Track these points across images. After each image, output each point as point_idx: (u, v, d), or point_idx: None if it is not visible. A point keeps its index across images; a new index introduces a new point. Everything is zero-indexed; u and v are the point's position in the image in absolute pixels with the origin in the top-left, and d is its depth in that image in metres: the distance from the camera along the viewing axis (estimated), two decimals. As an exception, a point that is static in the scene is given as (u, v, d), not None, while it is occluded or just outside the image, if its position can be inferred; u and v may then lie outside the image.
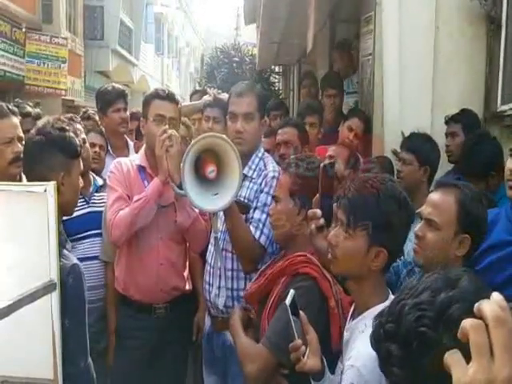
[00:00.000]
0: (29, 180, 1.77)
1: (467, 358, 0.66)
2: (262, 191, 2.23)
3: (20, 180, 2.14)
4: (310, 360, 1.39)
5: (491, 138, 2.67)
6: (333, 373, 1.48)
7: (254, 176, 2.28)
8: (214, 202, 2.04)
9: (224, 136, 2.04)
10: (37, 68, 11.16)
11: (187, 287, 2.57)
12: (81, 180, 1.83)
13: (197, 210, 2.33)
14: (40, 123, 1.86)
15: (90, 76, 14.48)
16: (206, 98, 3.46)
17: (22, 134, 2.22)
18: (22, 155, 1.93)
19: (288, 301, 1.42)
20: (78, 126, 2.62)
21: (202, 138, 1.99)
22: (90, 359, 1.68)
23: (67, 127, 1.79)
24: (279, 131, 3.19)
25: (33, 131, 1.80)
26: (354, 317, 1.44)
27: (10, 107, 2.27)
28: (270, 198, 2.12)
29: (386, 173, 1.99)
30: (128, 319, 2.51)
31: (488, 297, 0.68)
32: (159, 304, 2.47)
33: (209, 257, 2.37)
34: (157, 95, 2.44)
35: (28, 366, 1.51)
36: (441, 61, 3.13)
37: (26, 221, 1.49)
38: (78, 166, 1.80)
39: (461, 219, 1.60)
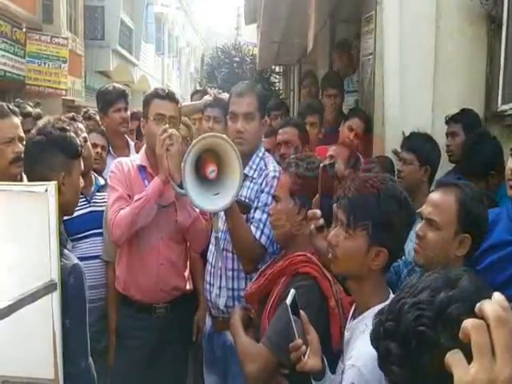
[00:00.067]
0: (29, 180, 1.78)
1: (467, 358, 0.66)
2: (262, 191, 2.23)
3: (21, 180, 2.14)
4: (311, 360, 1.39)
5: (491, 137, 2.67)
6: (333, 372, 1.48)
7: (255, 176, 2.28)
8: (215, 201, 2.04)
9: (224, 136, 2.04)
10: (37, 68, 11.17)
11: (188, 287, 2.57)
12: (81, 180, 1.83)
13: (197, 210, 2.33)
14: (41, 123, 1.86)
15: (90, 76, 14.49)
16: (207, 97, 3.46)
17: (22, 134, 2.22)
18: (22, 155, 1.93)
19: (289, 300, 1.42)
20: (80, 126, 2.63)
21: (202, 138, 1.99)
22: (90, 359, 1.69)
23: (68, 127, 1.79)
24: (280, 131, 3.19)
25: (33, 131, 1.80)
26: (354, 316, 1.44)
27: (11, 107, 2.27)
28: (270, 198, 2.12)
29: (386, 172, 1.99)
30: (128, 319, 2.51)
31: (488, 297, 0.68)
32: (159, 304, 2.47)
33: (210, 257, 2.37)
34: (157, 95, 2.44)
35: (29, 366, 1.51)
36: (441, 60, 3.13)
37: (27, 221, 1.49)
38: (79, 166, 1.80)
39: (461, 219, 1.60)
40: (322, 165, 1.74)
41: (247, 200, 2.24)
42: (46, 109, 4.21)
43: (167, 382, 2.52)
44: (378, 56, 3.30)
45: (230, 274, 2.25)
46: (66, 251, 1.65)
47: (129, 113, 3.55)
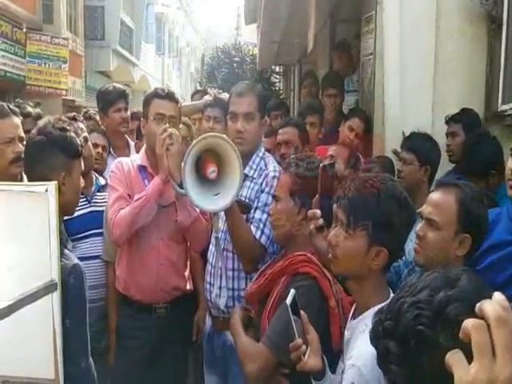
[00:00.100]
0: (30, 180, 1.78)
1: (467, 358, 0.66)
2: (262, 191, 2.23)
3: (21, 180, 2.14)
4: (311, 359, 1.39)
5: (491, 137, 2.67)
6: (333, 372, 1.48)
7: (255, 176, 2.28)
8: (215, 202, 2.04)
9: (224, 136, 2.04)
10: (38, 68, 11.17)
11: (188, 287, 2.57)
12: (82, 180, 1.83)
13: (197, 210, 2.33)
14: (41, 123, 1.86)
15: (90, 76, 14.49)
16: (207, 97, 3.46)
17: (22, 134, 2.22)
18: (22, 155, 1.93)
19: (289, 300, 1.42)
20: (81, 125, 2.63)
21: (202, 139, 1.99)
22: (90, 359, 1.69)
23: (68, 127, 1.79)
24: (280, 131, 3.19)
25: (34, 131, 1.80)
26: (354, 316, 1.44)
27: (11, 107, 2.27)
28: (270, 198, 2.12)
29: (386, 173, 1.99)
30: (129, 319, 2.51)
31: (488, 296, 0.68)
32: (160, 304, 2.47)
33: (210, 257, 2.37)
34: (156, 94, 2.45)
35: (29, 366, 1.51)
36: (441, 60, 3.13)
37: (27, 221, 1.49)
38: (79, 166, 1.80)
39: (461, 219, 1.60)
40: (321, 165, 1.74)
41: (247, 200, 2.24)
42: (46, 109, 4.21)
43: (167, 382, 2.52)
44: (378, 56, 3.30)
45: (230, 273, 2.25)
46: (66, 251, 1.65)
47: (129, 113, 3.55)
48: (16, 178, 2.16)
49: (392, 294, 1.39)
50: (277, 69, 12.11)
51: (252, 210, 2.21)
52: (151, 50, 21.77)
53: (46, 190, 1.45)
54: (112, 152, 3.32)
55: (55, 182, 1.47)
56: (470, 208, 1.60)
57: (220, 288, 2.25)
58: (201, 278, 2.57)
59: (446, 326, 0.80)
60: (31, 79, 11.07)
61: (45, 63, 11.23)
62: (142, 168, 2.47)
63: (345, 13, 5.24)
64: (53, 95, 11.32)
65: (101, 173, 2.96)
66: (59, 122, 1.79)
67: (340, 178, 1.95)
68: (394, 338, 0.86)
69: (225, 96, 3.16)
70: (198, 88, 8.98)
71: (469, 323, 0.64)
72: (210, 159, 2.03)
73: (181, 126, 2.63)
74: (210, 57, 15.78)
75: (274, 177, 2.22)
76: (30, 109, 3.16)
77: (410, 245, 1.72)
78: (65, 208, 1.65)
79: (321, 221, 1.67)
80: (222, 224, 2.23)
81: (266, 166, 2.31)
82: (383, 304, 1.25)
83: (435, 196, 1.68)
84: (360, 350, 1.28)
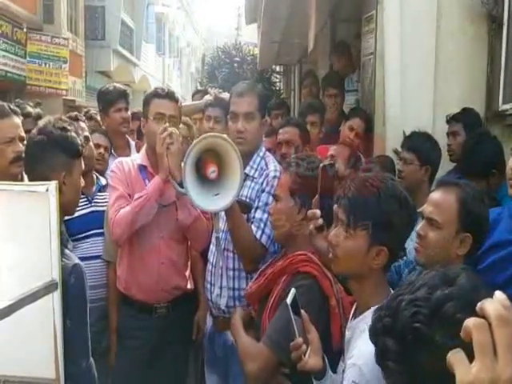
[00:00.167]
0: (30, 180, 1.78)
1: (466, 357, 0.66)
2: (263, 191, 2.23)
3: (21, 180, 2.14)
4: (312, 359, 1.39)
5: (491, 137, 2.67)
6: (334, 372, 1.48)
7: (256, 175, 2.28)
8: (216, 202, 2.04)
9: (225, 136, 2.04)
10: (38, 68, 11.18)
11: (188, 286, 2.57)
12: (82, 179, 1.83)
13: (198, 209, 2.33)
14: (41, 123, 1.86)
15: (91, 76, 14.49)
16: (207, 97, 3.46)
17: (23, 134, 2.22)
18: (23, 155, 1.93)
19: (289, 299, 1.41)
20: (82, 125, 2.63)
21: (203, 139, 1.99)
22: (91, 359, 1.68)
23: (69, 127, 1.79)
24: (280, 130, 3.19)
25: (34, 131, 1.80)
26: (355, 316, 1.44)
27: (12, 107, 2.27)
28: (271, 198, 2.11)
29: (387, 172, 1.98)
30: (129, 319, 2.51)
31: (486, 295, 0.68)
32: (160, 303, 2.47)
33: (210, 256, 2.37)
34: (156, 94, 2.45)
35: (30, 366, 1.51)
36: (442, 60, 3.12)
37: (28, 220, 1.49)
38: (80, 166, 1.80)
39: (462, 218, 1.60)
40: (321, 165, 1.73)
41: (248, 199, 2.23)
42: (46, 109, 4.21)
43: (167, 382, 2.52)
44: (378, 56, 3.30)
45: (230, 273, 2.25)
46: (66, 251, 1.65)
47: (129, 113, 3.55)
48: (16, 178, 2.16)
49: (393, 294, 1.39)
50: (277, 68, 12.13)
51: (253, 210, 2.21)
52: (152, 49, 21.78)
53: (47, 190, 1.45)
54: (113, 152, 3.32)
55: (56, 182, 1.47)
56: (470, 207, 1.60)
57: (221, 288, 2.25)
58: (201, 277, 2.57)
59: (442, 324, 0.81)
60: (32, 79, 11.08)
61: (45, 63, 11.24)
62: (142, 167, 2.47)
63: (345, 12, 5.25)
64: (53, 95, 11.33)
65: (102, 173, 2.96)
66: (60, 122, 1.79)
67: (340, 177, 1.95)
68: (392, 335, 0.87)
69: (225, 96, 3.16)
70: (199, 88, 8.99)
71: (470, 322, 0.64)
72: (211, 159, 2.03)
73: (181, 125, 2.63)
74: (210, 57, 15.81)
75: (274, 176, 2.21)
76: (30, 109, 3.16)
77: (411, 244, 1.72)
78: (65, 208, 1.65)
79: (320, 221, 1.67)
80: (222, 224, 2.23)
81: (266, 165, 2.30)
82: (384, 303, 1.26)
83: (436, 195, 1.68)
84: (361, 349, 1.28)
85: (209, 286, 2.33)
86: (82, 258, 1.88)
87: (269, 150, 2.77)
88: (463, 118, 2.90)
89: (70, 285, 1.56)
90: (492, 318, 0.63)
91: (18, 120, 2.24)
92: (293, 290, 1.46)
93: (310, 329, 1.44)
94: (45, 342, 1.48)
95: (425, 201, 1.73)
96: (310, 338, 1.42)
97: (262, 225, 2.15)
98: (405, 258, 2.00)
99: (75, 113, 2.85)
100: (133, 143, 3.61)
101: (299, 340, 1.40)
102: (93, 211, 2.70)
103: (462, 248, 1.61)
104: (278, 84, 12.52)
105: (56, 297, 1.46)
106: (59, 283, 1.46)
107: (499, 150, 2.53)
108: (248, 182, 2.26)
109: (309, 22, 4.10)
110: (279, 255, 1.95)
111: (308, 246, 1.74)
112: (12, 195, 1.50)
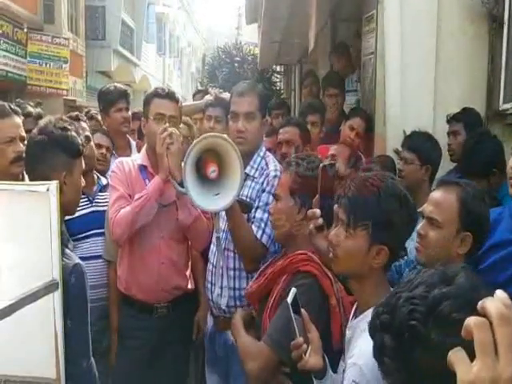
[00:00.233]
0: (31, 179, 1.78)
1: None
2: (263, 190, 2.23)
3: (22, 179, 2.14)
4: (312, 358, 1.39)
5: (492, 136, 2.67)
6: (335, 371, 1.48)
7: (256, 175, 2.28)
8: (216, 201, 2.04)
9: (225, 136, 2.04)
10: (39, 68, 11.19)
11: (189, 286, 2.57)
12: (83, 179, 1.83)
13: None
14: (42, 123, 1.86)
15: (91, 76, 14.50)
16: (208, 97, 3.46)
17: (24, 134, 2.22)
18: (23, 155, 1.93)
19: (289, 299, 1.41)
20: (83, 125, 2.63)
21: (203, 138, 1.99)
22: (92, 359, 1.68)
23: (69, 127, 1.79)
24: (281, 130, 3.19)
25: (35, 131, 1.80)
26: (356, 315, 1.44)
27: (13, 107, 2.27)
28: (271, 197, 2.11)
29: (387, 172, 1.98)
30: (130, 319, 2.51)
31: (484, 294, 0.68)
32: (161, 303, 2.47)
33: (211, 256, 2.37)
34: (156, 94, 2.45)
35: (30, 366, 1.51)
36: (442, 59, 3.12)
37: (28, 220, 1.49)
38: (80, 166, 1.80)
39: (462, 217, 1.60)
40: (321, 165, 1.73)
41: (248, 199, 2.23)
42: (47, 109, 4.21)
43: (168, 382, 2.52)
44: (379, 55, 3.29)
45: (231, 273, 2.25)
46: (67, 251, 1.65)
47: (130, 113, 3.55)
48: (17, 178, 2.16)
49: (393, 293, 1.39)
50: (278, 68, 12.13)
51: (253, 210, 2.21)
52: (152, 49, 21.78)
53: (47, 190, 1.45)
54: (113, 152, 3.32)
55: (56, 182, 1.47)
56: (471, 206, 1.60)
57: (221, 288, 2.25)
58: (202, 277, 2.57)
59: (438, 323, 0.81)
60: (32, 79, 11.08)
61: (46, 63, 11.25)
62: (142, 168, 2.47)
63: (345, 12, 5.24)
64: (54, 95, 11.34)
65: (104, 173, 2.96)
66: (60, 122, 1.79)
67: (341, 177, 1.95)
68: (389, 332, 0.87)
69: (226, 96, 3.16)
70: (200, 88, 8.99)
71: (471, 321, 0.64)
72: (211, 159, 2.03)
73: (182, 125, 2.63)
74: (211, 57, 15.82)
75: (274, 176, 2.21)
76: (30, 108, 3.16)
77: (412, 244, 1.72)
78: (66, 207, 1.65)
79: (320, 220, 1.67)
80: (223, 224, 2.23)
81: (267, 165, 2.30)
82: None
83: (436, 195, 1.68)
84: (361, 348, 1.28)
85: (209, 285, 2.33)
86: (83, 258, 1.88)
87: (269, 149, 2.77)
88: (464, 118, 2.90)
89: (71, 284, 1.56)
90: (493, 316, 0.63)
91: (18, 120, 2.24)
92: (293, 290, 1.46)
93: (310, 328, 1.44)
94: (45, 341, 1.48)
95: (425, 200, 1.73)
96: (311, 337, 1.42)
97: (263, 224, 2.15)
98: (405, 257, 2.00)
99: (76, 113, 2.84)
100: (134, 143, 3.61)
101: (300, 339, 1.40)
102: (93, 211, 2.70)
103: (462, 247, 1.61)
104: (278, 84, 12.52)
105: (56, 297, 1.46)
106: (60, 283, 1.46)
107: (500, 150, 2.53)
108: (248, 182, 2.26)
109: (309, 22, 4.10)
110: (279, 255, 1.95)
111: (308, 245, 1.74)
112: (13, 195, 1.50)
